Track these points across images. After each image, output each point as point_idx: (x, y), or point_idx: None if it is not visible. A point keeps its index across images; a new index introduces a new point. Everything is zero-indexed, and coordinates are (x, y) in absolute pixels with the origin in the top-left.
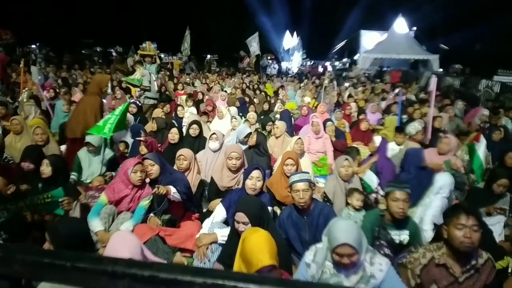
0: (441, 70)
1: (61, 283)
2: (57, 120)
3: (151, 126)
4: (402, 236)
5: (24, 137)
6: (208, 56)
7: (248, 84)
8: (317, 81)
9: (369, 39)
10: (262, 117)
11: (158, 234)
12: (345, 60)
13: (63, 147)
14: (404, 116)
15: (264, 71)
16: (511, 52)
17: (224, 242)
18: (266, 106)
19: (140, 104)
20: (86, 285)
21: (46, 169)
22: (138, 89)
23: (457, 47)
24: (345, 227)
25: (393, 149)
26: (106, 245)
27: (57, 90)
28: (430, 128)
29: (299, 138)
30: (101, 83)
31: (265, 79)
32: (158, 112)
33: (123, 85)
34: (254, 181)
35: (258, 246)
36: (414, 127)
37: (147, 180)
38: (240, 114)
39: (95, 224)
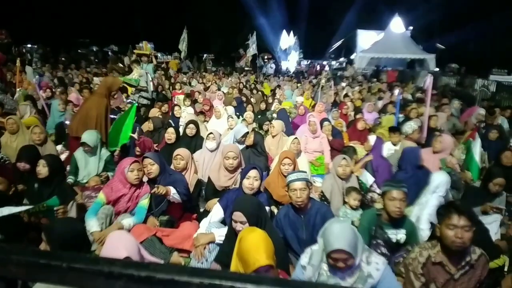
0: (437, 69)
1: (57, 284)
2: (53, 120)
3: (147, 126)
4: (399, 235)
5: (20, 137)
6: (205, 55)
7: (245, 83)
8: (314, 81)
9: (366, 38)
10: (259, 116)
11: (155, 235)
12: (342, 59)
13: (59, 147)
14: (401, 116)
15: (260, 71)
16: (505, 52)
17: (221, 242)
18: (263, 106)
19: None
20: (83, 286)
21: (42, 169)
22: (134, 89)
23: (454, 47)
24: (340, 232)
25: (390, 149)
26: (103, 244)
27: (53, 90)
28: (426, 127)
29: (296, 137)
30: (112, 86)
31: (262, 79)
32: (154, 112)
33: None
34: (251, 181)
35: (255, 246)
36: (410, 126)
37: (145, 179)
38: (237, 113)
39: (92, 224)
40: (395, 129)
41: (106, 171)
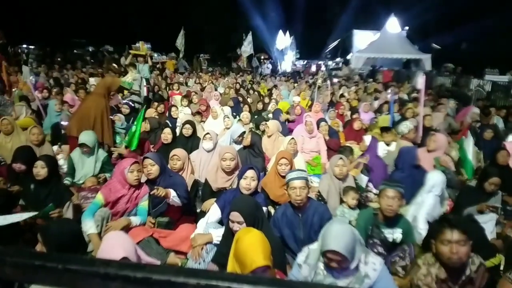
0: (433, 69)
1: (53, 286)
2: (50, 120)
3: (144, 126)
4: (395, 234)
5: (15, 138)
6: (201, 55)
7: (241, 83)
8: (310, 81)
9: (362, 38)
10: (256, 116)
11: (152, 236)
12: (338, 59)
13: (55, 148)
14: (396, 115)
15: (256, 71)
16: (499, 51)
17: (219, 243)
18: (260, 106)
19: (133, 105)
20: (78, 287)
21: (41, 170)
22: (127, 92)
23: (449, 47)
24: (339, 234)
25: (384, 149)
26: (100, 245)
27: (50, 90)
28: (421, 127)
29: (292, 138)
30: (111, 85)
31: (258, 79)
32: (151, 112)
33: None
34: (248, 181)
35: (252, 247)
36: (406, 126)
37: (143, 179)
38: (234, 113)
39: (89, 225)
40: (387, 129)
41: (103, 172)
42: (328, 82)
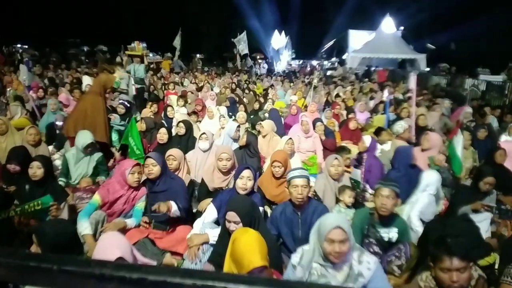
0: (428, 69)
1: (47, 287)
2: (47, 120)
3: (139, 126)
4: (390, 233)
5: (9, 138)
6: (197, 55)
7: (237, 83)
8: (306, 80)
9: (357, 38)
10: (252, 116)
11: (147, 237)
12: (333, 59)
13: (50, 148)
14: (392, 114)
15: (251, 70)
16: (492, 51)
17: (215, 243)
18: (256, 105)
19: (128, 105)
20: None
21: (38, 171)
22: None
23: (444, 47)
24: (335, 215)
25: (379, 147)
26: (96, 246)
27: (46, 90)
28: (414, 127)
29: (290, 138)
30: (106, 83)
31: (254, 79)
32: (146, 112)
33: None
34: (245, 181)
35: (249, 247)
36: (401, 126)
37: (142, 178)
38: (230, 113)
39: (84, 226)
40: (380, 129)
41: (97, 172)
42: (323, 81)
